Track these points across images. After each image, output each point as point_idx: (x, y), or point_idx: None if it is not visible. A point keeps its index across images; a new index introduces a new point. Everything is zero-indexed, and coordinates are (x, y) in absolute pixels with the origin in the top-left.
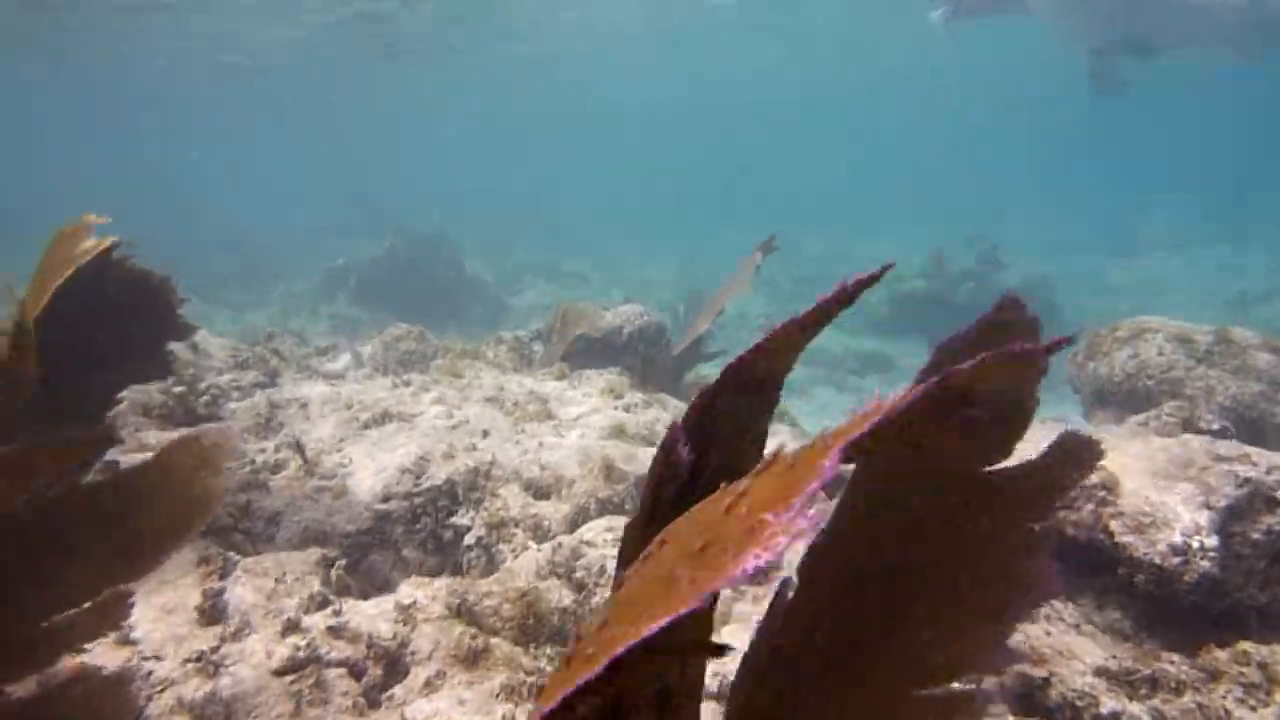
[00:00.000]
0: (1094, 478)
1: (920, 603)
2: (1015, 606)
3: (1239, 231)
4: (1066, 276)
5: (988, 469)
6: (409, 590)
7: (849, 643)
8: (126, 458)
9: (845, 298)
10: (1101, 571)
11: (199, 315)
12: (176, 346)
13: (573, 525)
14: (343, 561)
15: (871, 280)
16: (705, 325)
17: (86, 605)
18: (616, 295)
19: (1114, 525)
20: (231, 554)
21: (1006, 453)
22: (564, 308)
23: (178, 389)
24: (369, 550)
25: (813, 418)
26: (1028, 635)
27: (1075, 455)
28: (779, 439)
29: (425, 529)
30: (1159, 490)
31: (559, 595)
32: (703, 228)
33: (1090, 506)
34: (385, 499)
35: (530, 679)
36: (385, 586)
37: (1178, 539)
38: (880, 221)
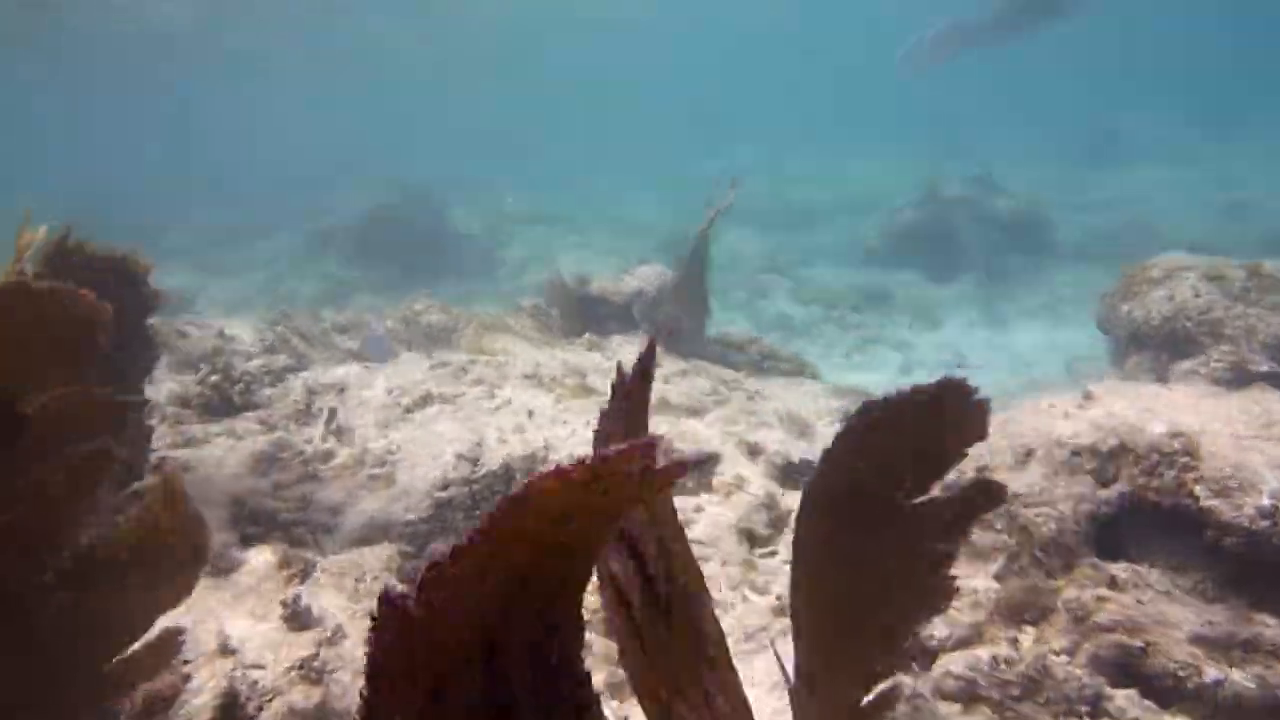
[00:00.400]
0: (1174, 443)
1: (857, 620)
2: (915, 615)
3: (1222, 135)
4: (1051, 191)
5: (913, 502)
6: None
7: (815, 660)
8: (172, 453)
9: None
10: (1181, 536)
11: (192, 285)
12: (205, 334)
13: None
14: (407, 550)
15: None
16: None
17: (139, 645)
18: (601, 240)
19: (1198, 490)
20: (309, 555)
21: (924, 490)
22: (556, 282)
23: (213, 378)
24: (432, 538)
25: (824, 361)
26: (1121, 604)
27: (987, 493)
28: (818, 398)
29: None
30: (1241, 452)
31: None
32: (683, 163)
33: (1172, 473)
34: (444, 486)
35: None
36: None
37: (1265, 502)
38: (859, 148)
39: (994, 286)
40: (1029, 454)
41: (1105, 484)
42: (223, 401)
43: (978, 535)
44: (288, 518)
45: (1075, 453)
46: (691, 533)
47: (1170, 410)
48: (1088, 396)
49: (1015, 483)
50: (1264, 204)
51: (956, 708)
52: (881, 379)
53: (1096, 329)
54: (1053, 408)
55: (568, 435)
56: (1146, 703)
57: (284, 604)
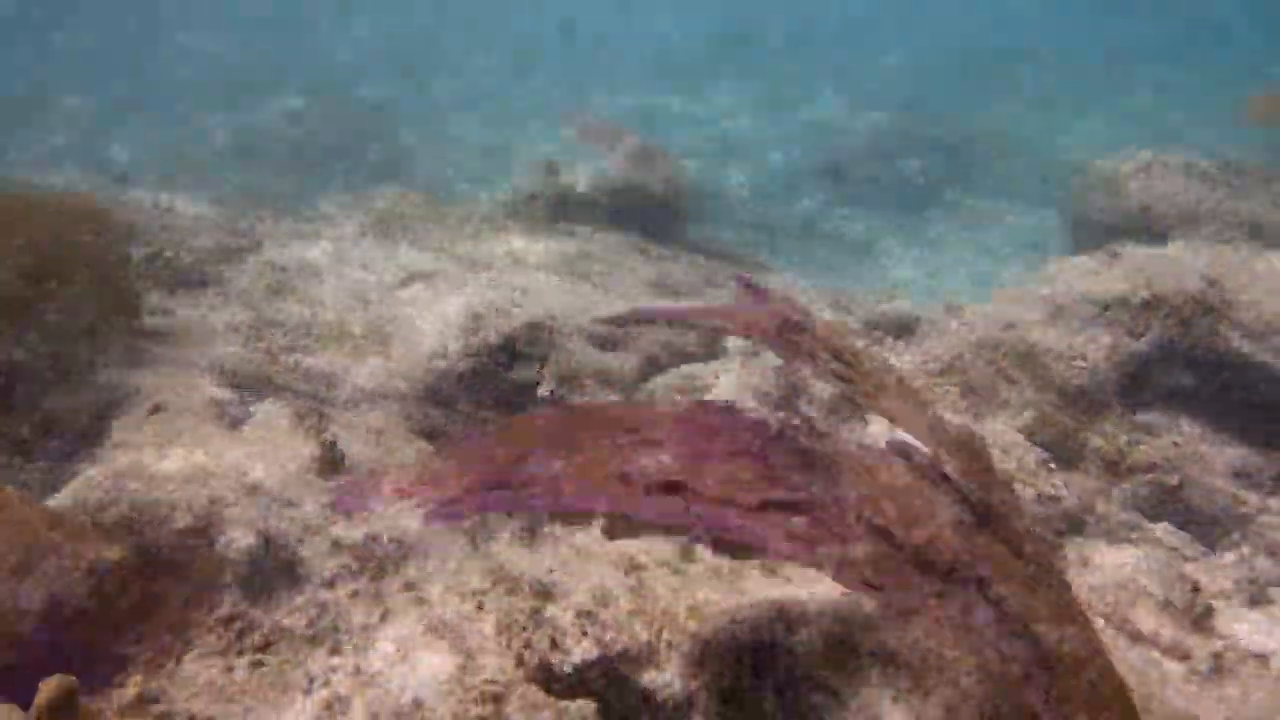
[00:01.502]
0: (1209, 293)
1: None
2: None
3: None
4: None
5: None
6: None
7: None
8: (149, 320)
9: None
10: (1216, 382)
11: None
12: (169, 212)
13: (643, 375)
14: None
15: None
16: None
17: None
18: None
19: (1234, 337)
20: (324, 409)
21: None
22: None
23: (167, 254)
24: (429, 407)
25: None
26: (1155, 447)
27: None
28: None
29: (483, 384)
30: (1276, 299)
31: None
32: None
33: (1207, 321)
34: (442, 356)
35: None
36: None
37: None
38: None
39: (928, 216)
40: (1059, 310)
41: (1136, 335)
42: (172, 276)
43: (1005, 390)
44: (284, 382)
45: (1106, 306)
46: None
47: (1197, 263)
48: (1114, 255)
49: (1045, 338)
50: None
51: None
52: None
53: (1057, 218)
54: (1086, 263)
55: (564, 307)
56: (1183, 533)
57: (323, 445)
